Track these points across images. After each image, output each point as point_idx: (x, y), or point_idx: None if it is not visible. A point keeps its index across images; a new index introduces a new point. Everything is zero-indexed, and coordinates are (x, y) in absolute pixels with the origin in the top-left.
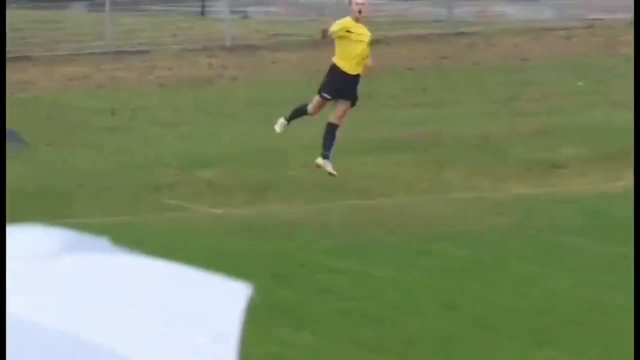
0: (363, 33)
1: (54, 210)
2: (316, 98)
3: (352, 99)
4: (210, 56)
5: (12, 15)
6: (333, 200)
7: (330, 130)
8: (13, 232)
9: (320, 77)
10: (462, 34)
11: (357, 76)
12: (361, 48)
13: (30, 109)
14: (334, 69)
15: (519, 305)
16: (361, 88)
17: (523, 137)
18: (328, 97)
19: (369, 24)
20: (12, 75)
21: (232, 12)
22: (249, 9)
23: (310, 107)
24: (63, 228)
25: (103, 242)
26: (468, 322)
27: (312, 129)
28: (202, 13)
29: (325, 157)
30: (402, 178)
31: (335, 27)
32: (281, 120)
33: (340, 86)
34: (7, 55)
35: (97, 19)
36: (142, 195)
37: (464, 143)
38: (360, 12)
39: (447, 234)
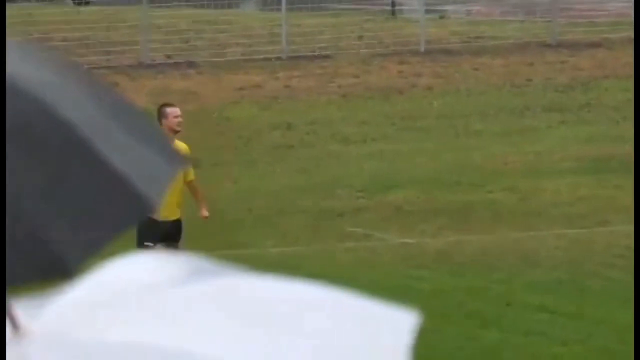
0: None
1: (222, 239)
2: None
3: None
4: (401, 62)
5: (174, 15)
6: (541, 229)
7: None
8: (134, 260)
9: (534, 90)
10: None
11: (178, 221)
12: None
13: (195, 122)
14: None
15: None
16: (577, 97)
17: None
18: (150, 244)
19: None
20: (174, 83)
21: (428, 11)
22: (447, 7)
23: None
24: (228, 259)
25: (243, 269)
26: None
27: (527, 145)
28: (393, 12)
29: None
30: (623, 203)
31: None
32: None
33: (162, 231)
34: (168, 61)
35: (270, 20)
36: (321, 221)
37: None
38: (179, 125)
39: None
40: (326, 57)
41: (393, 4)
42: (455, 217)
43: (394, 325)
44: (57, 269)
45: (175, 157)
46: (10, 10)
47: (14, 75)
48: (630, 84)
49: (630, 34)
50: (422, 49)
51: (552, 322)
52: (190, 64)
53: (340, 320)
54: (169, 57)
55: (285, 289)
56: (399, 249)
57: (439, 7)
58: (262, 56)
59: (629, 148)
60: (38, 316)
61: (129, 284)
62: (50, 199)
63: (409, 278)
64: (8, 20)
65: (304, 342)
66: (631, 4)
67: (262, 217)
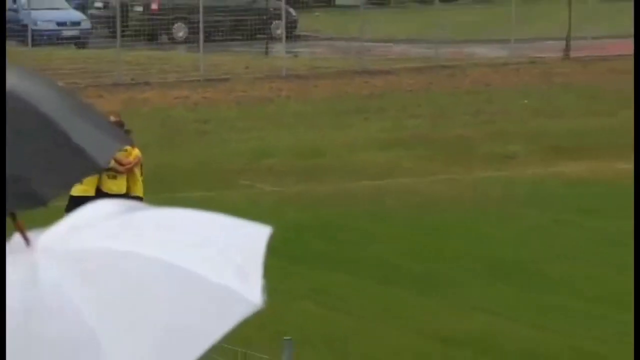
0: None
1: (167, 188)
2: None
3: None
4: (271, 82)
5: (136, 54)
6: (358, 180)
7: None
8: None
9: (350, 99)
10: (444, 67)
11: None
12: None
13: (148, 118)
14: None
15: (470, 252)
16: (375, 103)
17: (486, 138)
18: None
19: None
20: (135, 95)
21: (287, 52)
22: (299, 50)
23: None
24: (165, 202)
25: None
26: (477, 268)
27: (346, 132)
28: (266, 53)
29: None
30: (406, 166)
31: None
32: None
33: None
34: (131, 82)
35: (194, 57)
36: (224, 177)
37: (445, 143)
38: None
39: (435, 203)
40: (227, 79)
41: (266, 48)
42: (305, 175)
43: (255, 232)
44: (34, 200)
45: (119, 136)
46: None
47: (14, 86)
48: (406, 95)
49: (406, 65)
50: (284, 74)
51: (354, 238)
52: (146, 84)
53: (217, 229)
54: (132, 80)
55: (188, 215)
56: (271, 195)
57: (294, 50)
58: (189, 79)
59: (406, 133)
60: (40, 237)
61: (97, 215)
62: (33, 157)
63: (276, 212)
64: None
65: (202, 243)
66: (408, 47)
67: (189, 174)
